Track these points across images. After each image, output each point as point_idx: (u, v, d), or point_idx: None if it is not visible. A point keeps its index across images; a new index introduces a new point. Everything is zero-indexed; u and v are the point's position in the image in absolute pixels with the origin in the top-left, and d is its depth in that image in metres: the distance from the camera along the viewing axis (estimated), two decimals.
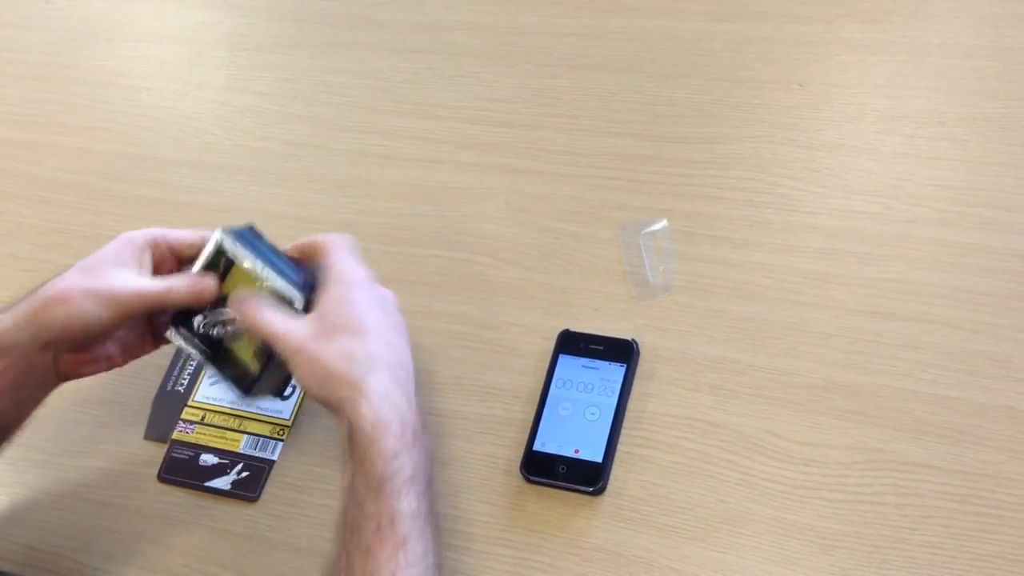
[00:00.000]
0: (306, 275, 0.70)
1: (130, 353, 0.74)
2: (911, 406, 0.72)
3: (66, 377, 0.71)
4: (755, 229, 0.83)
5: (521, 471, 0.74)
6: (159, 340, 0.74)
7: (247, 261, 0.69)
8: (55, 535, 0.78)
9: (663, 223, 0.84)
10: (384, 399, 0.63)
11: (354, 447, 0.62)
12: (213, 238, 0.71)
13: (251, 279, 0.69)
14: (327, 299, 0.67)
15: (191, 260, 0.72)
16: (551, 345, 0.79)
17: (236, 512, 0.77)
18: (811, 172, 0.85)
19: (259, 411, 0.82)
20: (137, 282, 0.68)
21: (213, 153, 1.01)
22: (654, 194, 0.87)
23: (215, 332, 0.70)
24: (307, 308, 0.68)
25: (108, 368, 0.73)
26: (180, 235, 0.73)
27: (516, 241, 0.87)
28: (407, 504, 0.61)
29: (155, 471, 0.80)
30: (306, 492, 0.77)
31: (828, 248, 0.80)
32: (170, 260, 0.73)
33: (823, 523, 0.68)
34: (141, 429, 0.83)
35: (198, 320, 0.70)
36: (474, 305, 0.84)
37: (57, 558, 0.77)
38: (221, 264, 0.70)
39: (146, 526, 0.77)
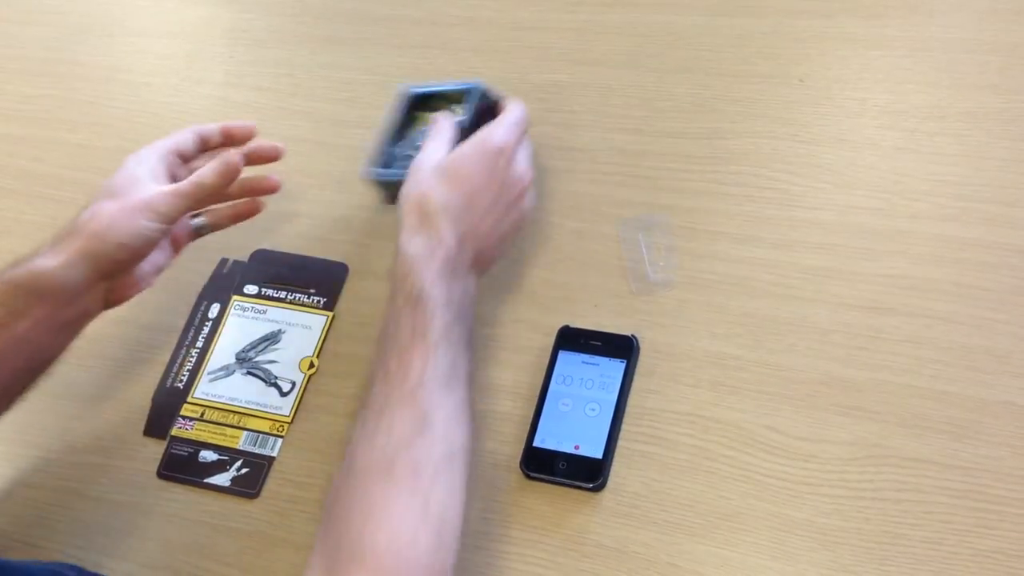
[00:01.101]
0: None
1: (158, 268, 0.78)
2: (911, 402, 0.71)
3: (111, 305, 0.74)
4: (755, 224, 0.83)
5: (521, 467, 0.73)
6: (179, 247, 0.81)
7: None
8: (55, 531, 0.78)
9: (663, 218, 0.84)
10: (432, 235, 0.71)
11: (399, 265, 0.71)
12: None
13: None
14: (459, 148, 0.76)
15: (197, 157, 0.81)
16: (551, 341, 0.79)
17: (236, 508, 0.77)
18: (812, 167, 0.85)
19: (259, 407, 0.82)
20: (169, 187, 0.73)
21: None
22: (654, 189, 0.87)
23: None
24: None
25: (145, 287, 0.77)
26: (179, 139, 0.79)
27: (515, 237, 0.87)
28: (439, 321, 0.68)
29: (155, 467, 0.80)
30: (306, 488, 0.77)
31: (828, 243, 0.80)
32: (181, 168, 0.79)
33: (823, 519, 0.68)
34: (141, 425, 0.83)
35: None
36: None
37: (57, 555, 0.77)
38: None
39: (146, 522, 0.77)
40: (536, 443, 0.74)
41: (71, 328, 0.73)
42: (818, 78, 0.91)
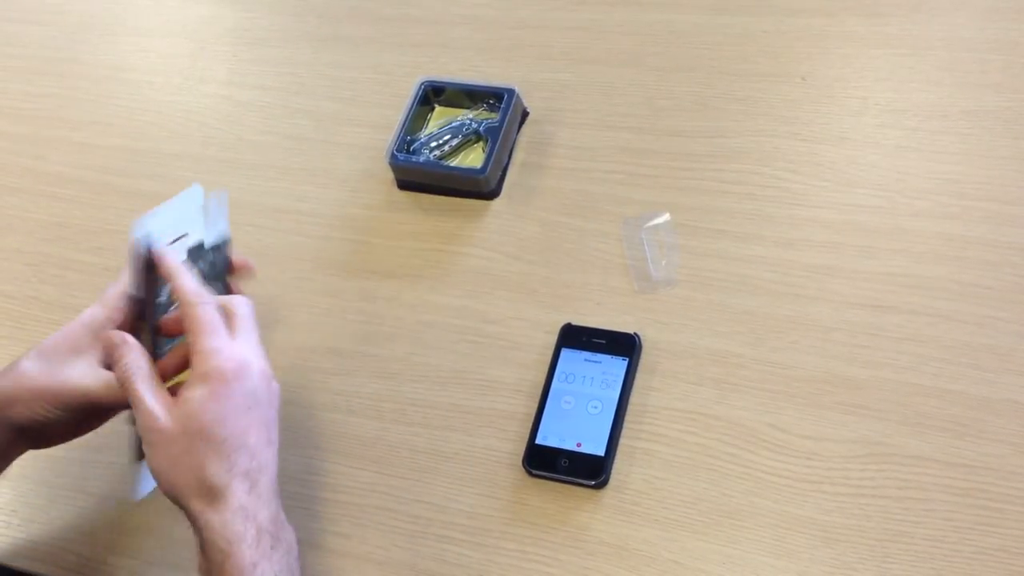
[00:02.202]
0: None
1: (87, 426, 0.71)
2: (913, 399, 0.72)
3: (44, 446, 0.71)
4: (757, 223, 0.83)
5: (523, 465, 0.74)
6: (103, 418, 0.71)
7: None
8: (57, 528, 0.78)
9: (665, 217, 0.84)
10: (237, 512, 0.60)
11: (209, 560, 0.60)
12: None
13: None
14: (196, 395, 0.61)
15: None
16: (553, 339, 0.79)
17: None
18: (813, 166, 0.85)
19: None
20: (83, 379, 0.65)
21: (215, 147, 1.01)
22: (656, 188, 0.87)
23: None
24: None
25: (88, 431, 0.71)
26: (117, 290, 0.70)
27: (518, 235, 0.87)
28: None
29: None
30: (306, 485, 0.77)
31: (830, 242, 0.80)
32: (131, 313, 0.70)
33: (825, 516, 0.68)
34: None
35: None
36: (476, 299, 0.84)
37: (59, 552, 0.77)
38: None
39: (148, 520, 0.77)
40: (538, 440, 0.74)
41: None
42: (820, 77, 0.91)
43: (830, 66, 0.91)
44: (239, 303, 0.68)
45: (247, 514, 0.60)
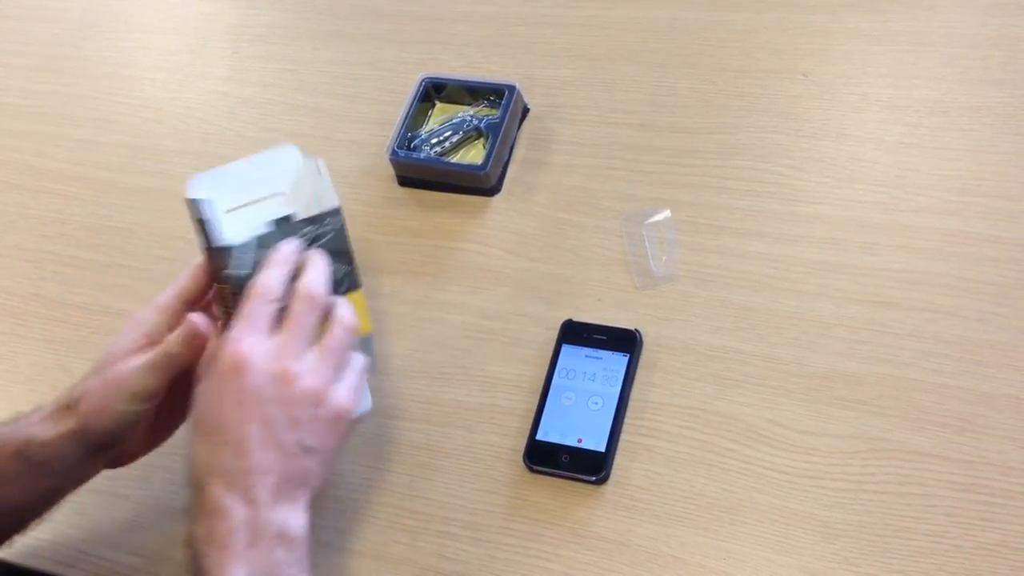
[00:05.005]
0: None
1: (165, 430, 0.71)
2: (914, 395, 0.72)
3: (119, 465, 0.71)
4: (758, 219, 0.83)
5: (524, 460, 0.74)
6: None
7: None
8: (57, 524, 0.78)
9: (666, 213, 0.84)
10: (213, 507, 0.60)
11: (191, 536, 0.62)
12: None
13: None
14: (203, 387, 0.62)
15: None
16: (554, 335, 0.79)
17: None
18: (815, 162, 0.85)
19: None
20: (140, 360, 0.65)
21: (216, 144, 1.01)
22: (657, 184, 0.87)
23: None
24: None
25: (152, 449, 0.72)
26: (170, 294, 0.69)
27: (519, 231, 0.87)
28: None
29: (159, 460, 0.80)
30: None
31: (831, 238, 0.80)
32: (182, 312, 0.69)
33: (826, 512, 0.68)
34: None
35: None
36: (477, 295, 0.84)
37: (60, 547, 0.77)
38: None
39: (149, 515, 0.77)
40: (539, 436, 0.74)
41: (61, 493, 0.70)
42: (821, 73, 0.91)
43: (832, 62, 0.91)
44: (339, 319, 0.65)
45: (221, 511, 0.60)
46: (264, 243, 0.66)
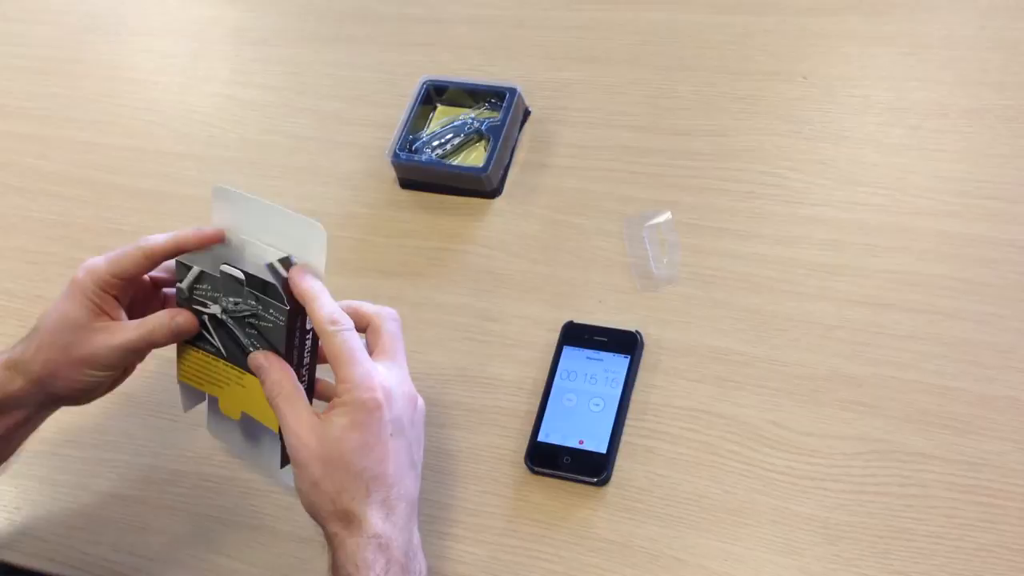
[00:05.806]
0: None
1: (124, 376, 0.72)
2: (915, 397, 0.72)
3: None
4: (759, 221, 0.83)
5: (526, 462, 0.74)
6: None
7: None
8: (62, 526, 0.79)
9: (667, 215, 0.85)
10: (371, 540, 0.60)
11: None
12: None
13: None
14: (338, 423, 0.61)
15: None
16: (555, 337, 0.79)
17: (243, 503, 0.77)
18: (815, 164, 0.85)
19: None
20: (114, 338, 0.66)
21: (218, 147, 1.01)
22: (658, 186, 0.87)
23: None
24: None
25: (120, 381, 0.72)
26: (122, 259, 0.67)
27: (520, 233, 0.87)
28: None
29: (161, 461, 0.81)
30: None
31: (832, 240, 0.80)
32: (142, 277, 0.69)
33: (827, 513, 0.68)
34: (145, 419, 0.83)
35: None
36: (478, 297, 0.84)
37: (65, 549, 0.77)
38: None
39: (152, 517, 0.78)
40: (540, 438, 0.74)
41: (29, 429, 0.71)
42: (821, 75, 0.91)
43: (831, 65, 0.91)
44: (386, 319, 0.66)
45: (380, 543, 0.60)
46: (203, 280, 0.66)
